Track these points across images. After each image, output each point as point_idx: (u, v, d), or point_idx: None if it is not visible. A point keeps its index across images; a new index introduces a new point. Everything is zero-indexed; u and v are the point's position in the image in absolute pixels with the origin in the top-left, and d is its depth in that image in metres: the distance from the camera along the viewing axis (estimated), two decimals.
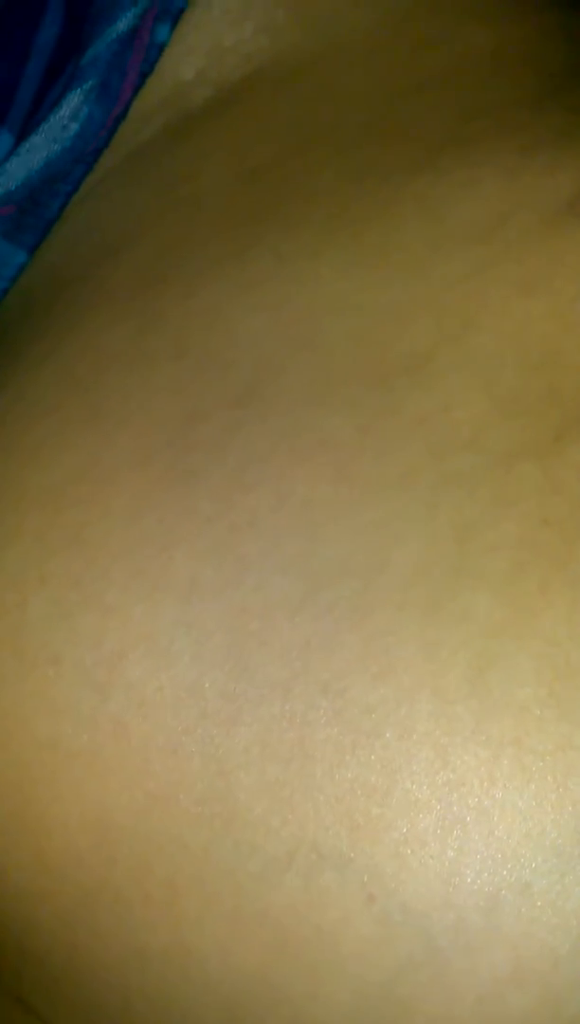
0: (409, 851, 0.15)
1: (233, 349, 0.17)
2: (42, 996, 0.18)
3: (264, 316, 0.18)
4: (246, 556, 0.16)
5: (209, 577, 0.16)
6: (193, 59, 0.22)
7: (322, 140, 0.20)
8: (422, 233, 0.18)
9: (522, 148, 0.18)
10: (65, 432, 0.18)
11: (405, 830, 0.15)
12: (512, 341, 0.17)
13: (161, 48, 0.22)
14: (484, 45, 0.20)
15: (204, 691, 0.16)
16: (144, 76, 0.22)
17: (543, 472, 0.16)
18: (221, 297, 0.18)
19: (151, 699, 0.16)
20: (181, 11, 0.22)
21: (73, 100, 0.22)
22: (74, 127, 0.22)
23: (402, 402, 0.16)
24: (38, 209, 0.21)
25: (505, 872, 0.15)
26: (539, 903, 0.15)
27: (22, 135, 0.22)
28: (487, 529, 0.16)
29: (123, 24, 0.22)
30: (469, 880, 0.15)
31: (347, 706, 0.15)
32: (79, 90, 0.22)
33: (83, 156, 0.22)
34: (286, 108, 0.21)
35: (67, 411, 0.18)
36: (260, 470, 0.16)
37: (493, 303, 0.17)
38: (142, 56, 0.22)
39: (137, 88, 0.22)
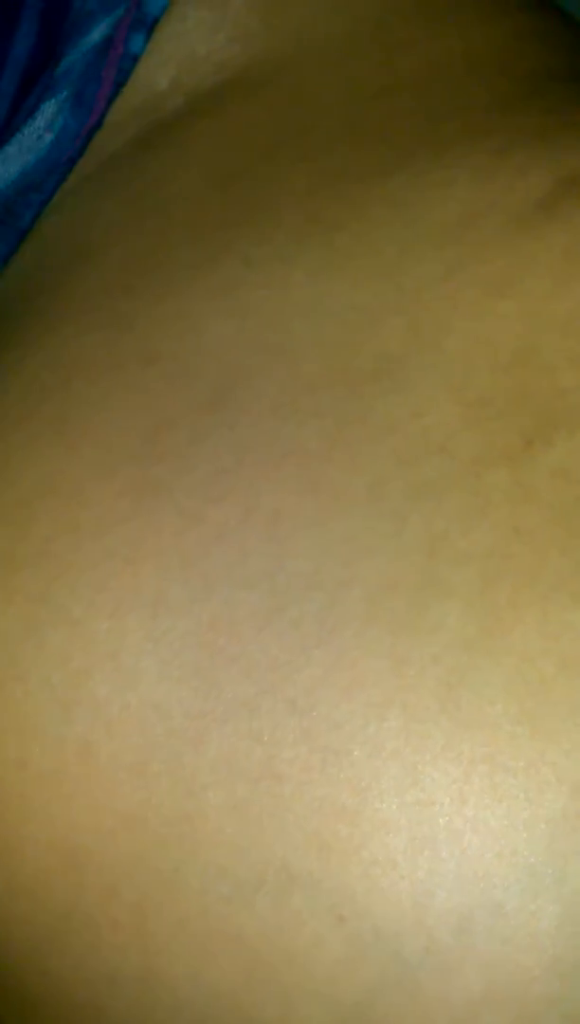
0: (379, 872, 0.15)
1: (201, 356, 0.17)
2: (16, 1016, 0.18)
3: (233, 322, 0.17)
4: (213, 571, 0.16)
5: (176, 593, 0.16)
6: (167, 69, 0.22)
7: (294, 146, 0.20)
8: (394, 235, 0.17)
9: (495, 149, 0.18)
10: (32, 444, 0.17)
11: (375, 850, 0.15)
12: (483, 343, 0.16)
13: (135, 58, 0.22)
14: (457, 49, 0.20)
15: (171, 709, 0.16)
16: (118, 86, 0.22)
17: (514, 480, 0.15)
18: (190, 304, 0.18)
19: (118, 717, 0.16)
20: (155, 21, 0.22)
21: (48, 110, 0.21)
22: (49, 137, 0.21)
23: (371, 409, 0.16)
24: (11, 219, 0.21)
25: (477, 892, 0.14)
26: (512, 923, 0.14)
27: None
28: (457, 540, 0.15)
29: (97, 34, 0.22)
30: (440, 900, 0.14)
31: (315, 724, 0.15)
32: (54, 100, 0.21)
33: (57, 166, 0.21)
34: (259, 115, 0.20)
35: (35, 423, 0.18)
36: (227, 481, 0.16)
37: (465, 305, 0.17)
38: (116, 66, 0.22)
39: (111, 98, 0.22)
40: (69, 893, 0.16)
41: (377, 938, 0.15)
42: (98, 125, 0.22)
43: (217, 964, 0.15)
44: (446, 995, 0.15)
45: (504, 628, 0.15)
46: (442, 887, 0.14)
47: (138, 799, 0.16)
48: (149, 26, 0.22)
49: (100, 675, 0.16)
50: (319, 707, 0.15)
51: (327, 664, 0.15)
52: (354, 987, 0.15)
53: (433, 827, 0.14)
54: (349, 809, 0.15)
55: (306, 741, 0.15)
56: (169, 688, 0.16)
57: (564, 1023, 0.15)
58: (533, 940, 0.14)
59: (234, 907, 0.15)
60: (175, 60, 0.22)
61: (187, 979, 0.16)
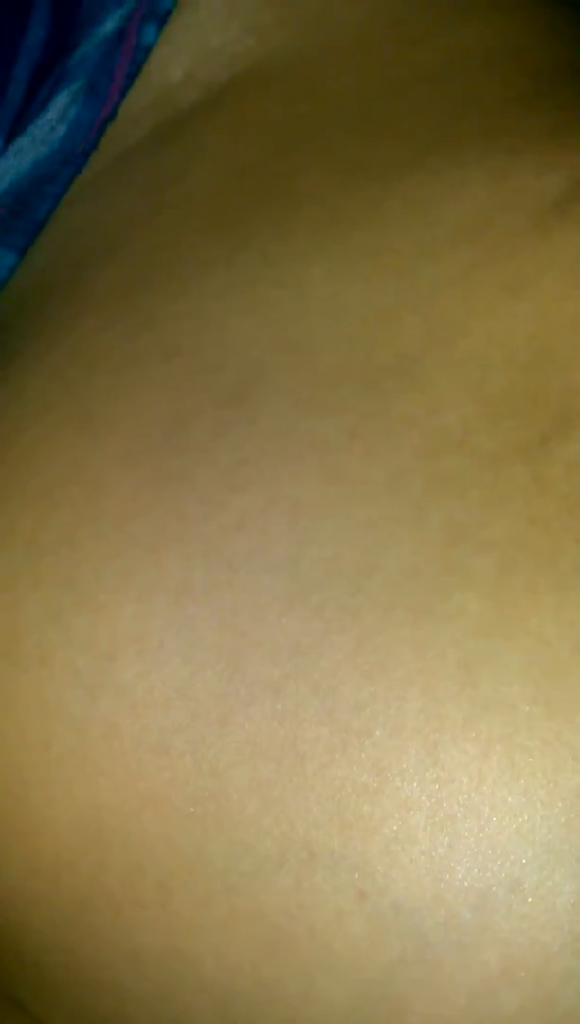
0: (400, 848, 0.15)
1: (222, 351, 0.17)
2: (37, 998, 0.18)
3: (253, 318, 0.18)
4: (236, 557, 0.16)
5: (199, 578, 0.16)
6: (180, 60, 0.22)
7: (310, 140, 0.20)
8: (411, 235, 0.18)
9: (510, 148, 0.18)
10: (56, 435, 0.18)
11: (395, 827, 0.15)
12: (500, 343, 0.17)
13: (148, 50, 0.22)
14: (473, 43, 0.20)
15: (195, 691, 0.16)
16: (131, 78, 0.22)
17: (531, 473, 0.16)
18: (210, 299, 0.18)
19: (142, 700, 0.16)
20: (168, 12, 0.22)
21: (61, 102, 0.22)
22: (62, 129, 0.22)
23: (391, 404, 0.16)
24: (26, 211, 0.21)
25: (495, 868, 0.15)
26: (530, 899, 0.15)
27: (10, 137, 0.22)
28: (476, 530, 0.16)
29: (110, 25, 0.22)
30: (459, 877, 0.15)
31: (337, 705, 0.15)
32: (66, 91, 0.22)
33: (71, 158, 0.22)
34: (274, 108, 0.21)
35: (58, 414, 0.18)
36: (249, 472, 0.16)
37: (481, 305, 0.17)
38: (129, 57, 0.22)
39: (124, 90, 0.22)
40: (92, 873, 0.16)
41: (397, 914, 0.15)
42: (111, 117, 0.22)
43: (239, 942, 0.16)
44: (464, 971, 0.15)
45: (521, 614, 0.15)
46: (461, 864, 0.15)
47: (162, 779, 0.16)
48: (162, 18, 0.22)
49: (124, 659, 0.16)
50: (341, 689, 0.15)
51: (349, 648, 0.15)
52: (374, 963, 0.15)
53: (452, 805, 0.15)
54: (370, 787, 0.15)
55: (328, 722, 0.15)
56: (193, 671, 0.16)
57: None
58: (551, 917, 0.15)
59: (257, 885, 0.16)
60: (188, 52, 0.22)
61: (209, 957, 0.16)
